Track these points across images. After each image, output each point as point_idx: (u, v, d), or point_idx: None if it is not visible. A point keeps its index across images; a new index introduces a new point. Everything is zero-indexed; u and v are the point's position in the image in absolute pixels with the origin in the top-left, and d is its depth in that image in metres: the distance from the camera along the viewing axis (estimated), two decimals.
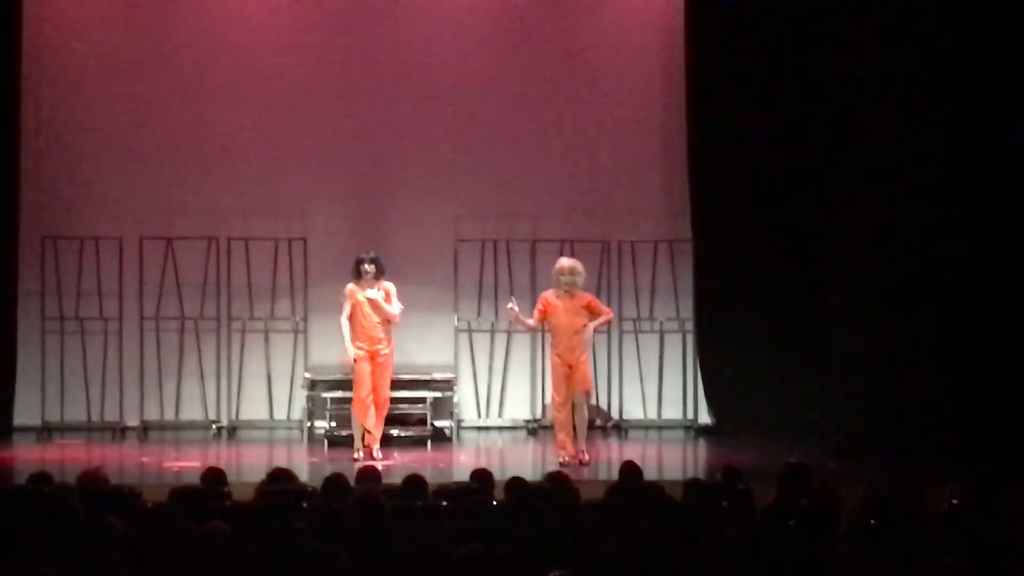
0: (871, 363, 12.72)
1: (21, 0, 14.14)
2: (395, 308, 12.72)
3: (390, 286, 12.81)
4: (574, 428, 12.39)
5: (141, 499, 7.99)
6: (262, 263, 14.61)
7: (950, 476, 7.56)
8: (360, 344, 12.66)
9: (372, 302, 12.67)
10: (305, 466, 12.28)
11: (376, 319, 12.69)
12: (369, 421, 12.62)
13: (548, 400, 14.35)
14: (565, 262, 12.55)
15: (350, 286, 12.77)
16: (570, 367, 12.29)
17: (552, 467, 10.43)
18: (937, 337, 12.35)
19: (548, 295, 12.44)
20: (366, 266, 12.72)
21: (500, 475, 8.64)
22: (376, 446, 12.69)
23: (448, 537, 6.76)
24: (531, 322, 12.56)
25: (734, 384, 14.42)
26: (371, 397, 12.65)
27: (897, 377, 12.50)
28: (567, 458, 12.22)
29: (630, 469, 8.61)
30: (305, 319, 14.58)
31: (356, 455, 12.50)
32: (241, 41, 14.65)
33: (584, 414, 12.48)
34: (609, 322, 13.00)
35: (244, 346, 14.66)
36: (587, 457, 12.35)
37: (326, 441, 13.58)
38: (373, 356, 12.69)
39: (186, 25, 14.62)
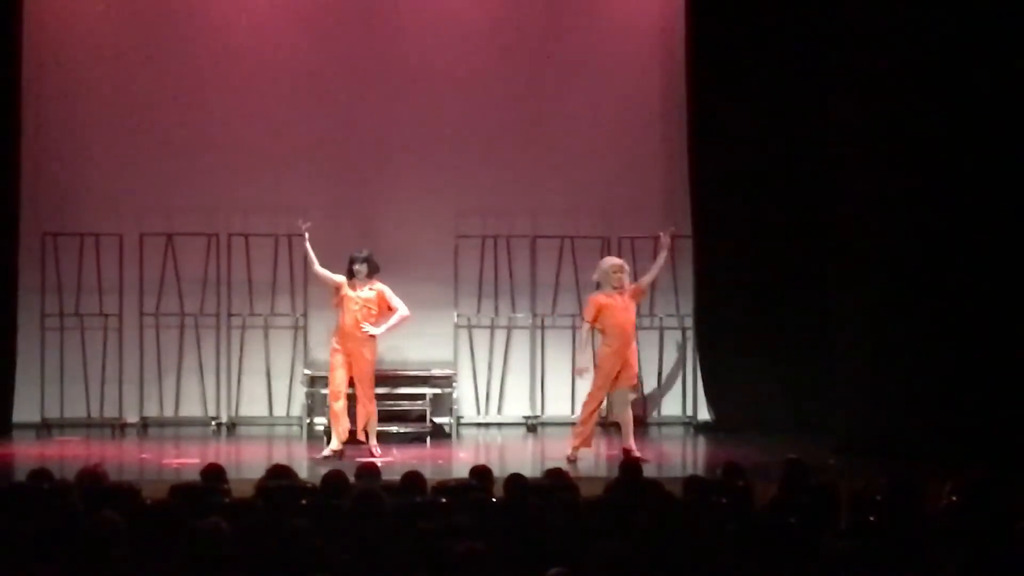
0: (871, 360, 12.72)
1: (21, 0, 14.15)
2: (400, 308, 12.59)
3: (382, 287, 12.68)
4: (599, 425, 12.39)
5: (141, 496, 7.98)
6: (262, 259, 14.62)
7: (950, 475, 7.54)
8: (339, 343, 12.58)
9: (364, 303, 12.54)
10: (304, 463, 12.27)
11: (360, 318, 12.56)
12: (345, 422, 12.47)
13: (552, 396, 14.41)
14: (616, 260, 12.55)
15: (342, 279, 12.63)
16: (625, 363, 12.33)
17: (551, 463, 10.37)
18: (938, 335, 12.34)
19: (600, 298, 12.37)
20: (357, 266, 12.57)
21: (499, 472, 8.66)
22: (373, 442, 12.63)
23: (447, 534, 6.75)
24: (588, 342, 12.49)
25: (734, 381, 14.42)
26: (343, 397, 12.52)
27: (897, 374, 12.50)
28: (573, 451, 12.28)
29: (629, 465, 8.62)
30: (305, 315, 14.58)
31: (326, 453, 12.37)
32: (241, 39, 14.66)
33: (630, 412, 12.45)
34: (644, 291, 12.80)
35: (244, 342, 14.67)
36: (640, 453, 12.15)
37: (325, 438, 13.55)
38: (352, 355, 12.54)
39: (186, 23, 14.63)
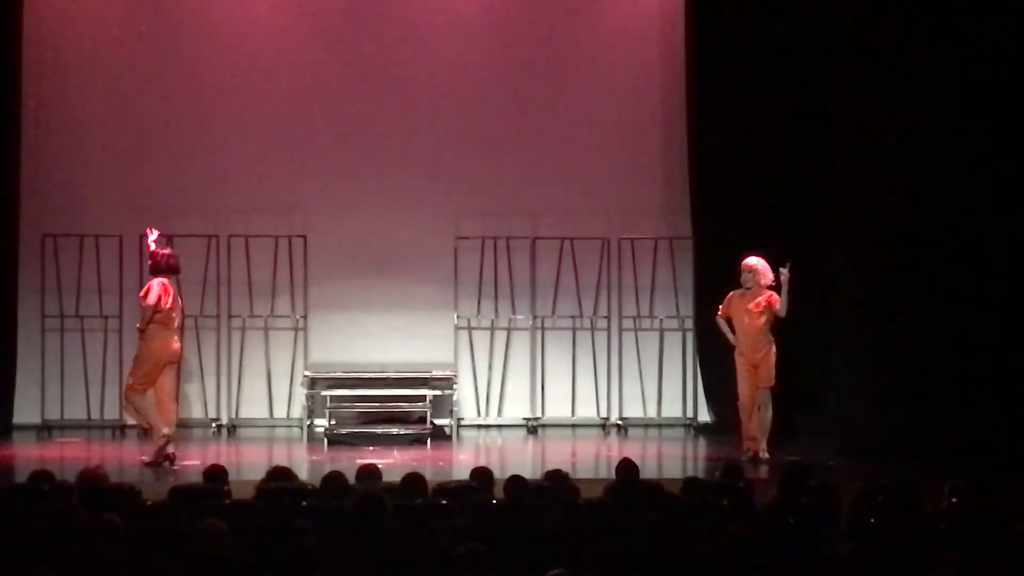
0: (871, 362, 12.72)
1: (21, 0, 14.16)
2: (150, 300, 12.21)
3: (150, 284, 12.34)
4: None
5: (141, 497, 8.00)
6: (262, 260, 14.60)
7: (950, 476, 7.56)
8: None
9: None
10: (305, 464, 12.27)
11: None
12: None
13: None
14: (749, 260, 12.55)
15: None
16: (755, 366, 12.41)
17: (551, 465, 10.26)
18: (937, 337, 12.34)
19: (734, 294, 12.53)
20: None
21: (500, 473, 8.66)
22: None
23: (448, 535, 6.77)
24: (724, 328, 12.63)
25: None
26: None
27: (898, 376, 12.50)
28: (751, 453, 12.30)
29: (626, 467, 8.62)
30: (305, 317, 14.57)
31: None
32: (241, 40, 14.65)
33: (768, 412, 12.46)
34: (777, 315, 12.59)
35: (244, 344, 14.65)
36: (767, 455, 12.25)
37: (326, 439, 13.57)
38: None
39: (186, 24, 14.62)
